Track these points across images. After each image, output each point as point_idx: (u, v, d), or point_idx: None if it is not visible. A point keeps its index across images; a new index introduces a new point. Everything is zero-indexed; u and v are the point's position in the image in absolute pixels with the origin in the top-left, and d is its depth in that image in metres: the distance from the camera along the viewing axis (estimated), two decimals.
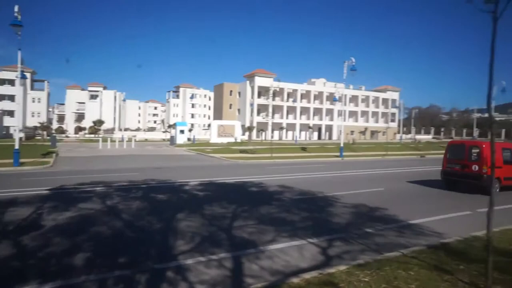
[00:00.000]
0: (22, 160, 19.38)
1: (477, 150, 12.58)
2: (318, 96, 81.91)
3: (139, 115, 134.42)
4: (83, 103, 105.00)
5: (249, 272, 5.13)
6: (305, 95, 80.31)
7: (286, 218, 8.23)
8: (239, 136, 52.52)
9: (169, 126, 72.97)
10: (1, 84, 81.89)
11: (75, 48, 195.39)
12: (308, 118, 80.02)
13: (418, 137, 78.55)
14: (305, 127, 78.89)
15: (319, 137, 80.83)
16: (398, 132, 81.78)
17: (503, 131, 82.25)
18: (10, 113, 73.86)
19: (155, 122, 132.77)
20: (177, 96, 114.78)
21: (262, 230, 7.19)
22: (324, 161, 26.74)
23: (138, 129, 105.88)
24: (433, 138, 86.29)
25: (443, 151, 15.29)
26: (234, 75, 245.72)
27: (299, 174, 17.20)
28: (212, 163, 23.43)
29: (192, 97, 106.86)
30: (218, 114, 78.00)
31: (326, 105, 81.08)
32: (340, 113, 73.09)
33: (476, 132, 74.66)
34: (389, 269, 4.95)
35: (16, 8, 17.71)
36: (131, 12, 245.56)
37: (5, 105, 77.86)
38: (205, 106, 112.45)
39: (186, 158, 26.56)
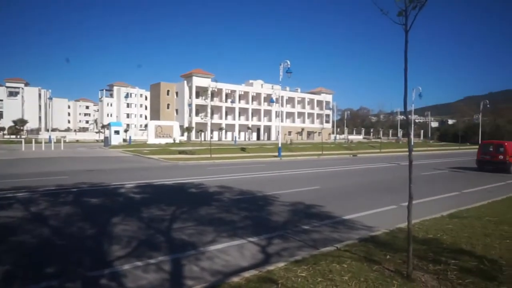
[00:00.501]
0: None
1: (502, 147, 20.32)
2: (256, 97, 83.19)
3: (69, 114, 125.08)
4: (1, 100, 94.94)
5: (189, 274, 5.07)
6: (244, 96, 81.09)
7: (225, 218, 8.26)
8: (177, 136, 51.37)
9: (103, 127, 68.93)
10: None
11: None
12: (247, 119, 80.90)
13: (350, 137, 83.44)
14: (244, 128, 79.62)
15: (258, 138, 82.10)
16: (333, 133, 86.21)
17: (422, 131, 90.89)
18: None
19: (87, 122, 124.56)
20: (111, 95, 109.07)
21: (201, 231, 7.14)
22: (263, 161, 27.26)
23: (68, 130, 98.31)
24: (364, 138, 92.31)
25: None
26: (171, 75, 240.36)
27: (239, 174, 17.35)
28: (150, 164, 22.65)
29: (127, 96, 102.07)
30: (155, 114, 75.52)
31: (264, 106, 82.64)
32: (277, 114, 74.94)
33: (400, 132, 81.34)
34: (325, 263, 5.22)
35: None
36: (61, 2, 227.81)
37: None
38: (141, 106, 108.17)
39: (122, 160, 25.34)
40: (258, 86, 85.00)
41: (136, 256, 5.67)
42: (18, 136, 61.97)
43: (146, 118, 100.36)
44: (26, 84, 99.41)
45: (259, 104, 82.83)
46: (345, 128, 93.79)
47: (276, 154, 30.56)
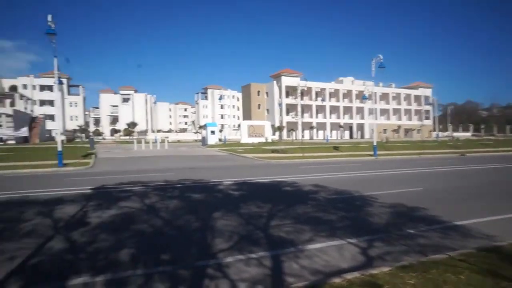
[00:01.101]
0: (65, 161, 20.35)
1: None
2: (347, 94, 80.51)
3: (170, 116, 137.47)
4: (116, 106, 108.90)
5: (289, 271, 5.11)
6: (334, 94, 79.17)
7: (322, 218, 8.13)
8: (269, 136, 52.55)
9: (200, 127, 74.17)
10: (41, 90, 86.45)
11: (107, 53, 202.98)
12: (338, 117, 78.83)
13: (456, 134, 75.34)
14: (335, 126, 77.74)
15: (351, 136, 79.38)
16: (434, 130, 78.83)
17: None
18: (51, 117, 77.93)
19: (185, 123, 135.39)
20: (206, 98, 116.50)
21: (299, 229, 7.14)
22: (357, 160, 26.23)
23: (170, 131, 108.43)
24: (473, 135, 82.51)
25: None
26: (261, 75, 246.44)
27: (333, 174, 16.97)
28: (245, 163, 23.57)
29: (220, 98, 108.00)
30: (247, 115, 78.39)
31: (356, 103, 79.54)
32: (371, 111, 71.42)
33: None
34: (436, 272, 4.76)
35: (49, 17, 18.56)
36: (159, 17, 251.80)
37: (46, 110, 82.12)
38: (233, 106, 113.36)
39: (219, 159, 26.88)
40: (349, 83, 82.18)
41: (238, 250, 5.92)
42: (131, 137, 70.39)
43: (238, 118, 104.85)
44: (135, 91, 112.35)
45: (350, 101, 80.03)
46: (449, 124, 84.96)
47: (371, 153, 29.13)
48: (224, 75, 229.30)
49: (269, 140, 50.60)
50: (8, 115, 49.42)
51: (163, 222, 7.75)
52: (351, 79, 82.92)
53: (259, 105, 77.67)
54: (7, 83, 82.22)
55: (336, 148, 35.14)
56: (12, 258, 5.48)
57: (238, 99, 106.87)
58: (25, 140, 50.29)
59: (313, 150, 32.64)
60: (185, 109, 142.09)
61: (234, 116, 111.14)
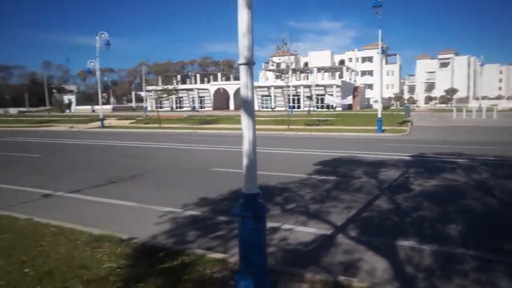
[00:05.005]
0: (383, 128, 21.63)
1: None
2: None
3: (500, 80, 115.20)
4: (433, 72, 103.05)
5: None
6: None
7: None
8: None
9: None
10: (362, 61, 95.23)
11: (423, 18, 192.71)
12: None
13: None
14: None
15: None
16: None
17: None
18: (370, 86, 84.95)
19: None
20: None
21: None
22: None
23: (499, 97, 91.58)
24: None
25: None
26: None
27: None
28: None
29: None
30: None
31: None
32: None
33: None
34: None
35: None
36: None
37: (366, 79, 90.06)
38: None
39: None
40: None
41: None
42: (448, 105, 65.11)
43: None
44: (456, 54, 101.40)
45: None
46: None
47: None
48: None
49: None
50: (337, 86, 57.95)
51: (499, 203, 6.60)
52: None
53: None
54: (337, 58, 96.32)
55: None
56: (349, 208, 6.34)
57: None
58: (349, 107, 57.65)
59: None
60: None
61: None
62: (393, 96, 78.80)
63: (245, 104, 2.78)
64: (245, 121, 2.77)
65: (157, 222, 5.75)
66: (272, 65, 53.21)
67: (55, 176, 9.89)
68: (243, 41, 2.72)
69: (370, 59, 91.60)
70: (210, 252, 4.28)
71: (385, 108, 60.33)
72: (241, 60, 2.75)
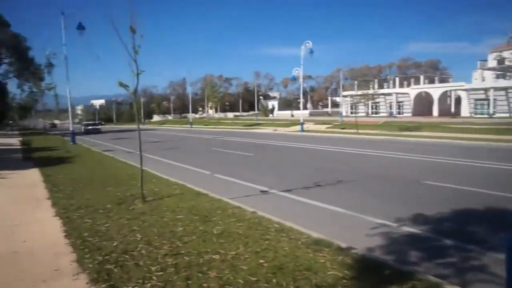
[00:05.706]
0: None
1: None
2: None
3: None
4: None
5: None
6: None
7: None
8: None
9: None
10: None
11: None
12: None
13: None
14: None
15: None
16: None
17: None
18: None
19: None
20: None
21: None
22: None
23: None
24: None
25: None
26: None
27: None
28: None
29: None
30: None
31: None
32: None
33: None
34: None
35: None
36: None
37: None
38: None
39: None
40: None
41: None
42: None
43: None
44: None
45: None
46: None
47: None
48: None
49: None
50: None
51: None
52: None
53: None
54: None
55: None
56: None
57: None
58: None
59: None
60: None
61: None
62: None
63: None
64: None
65: (369, 234, 5.43)
66: (497, 59, 44.30)
67: (267, 174, 11.03)
68: None
69: None
70: (447, 283, 3.62)
71: None
72: None
